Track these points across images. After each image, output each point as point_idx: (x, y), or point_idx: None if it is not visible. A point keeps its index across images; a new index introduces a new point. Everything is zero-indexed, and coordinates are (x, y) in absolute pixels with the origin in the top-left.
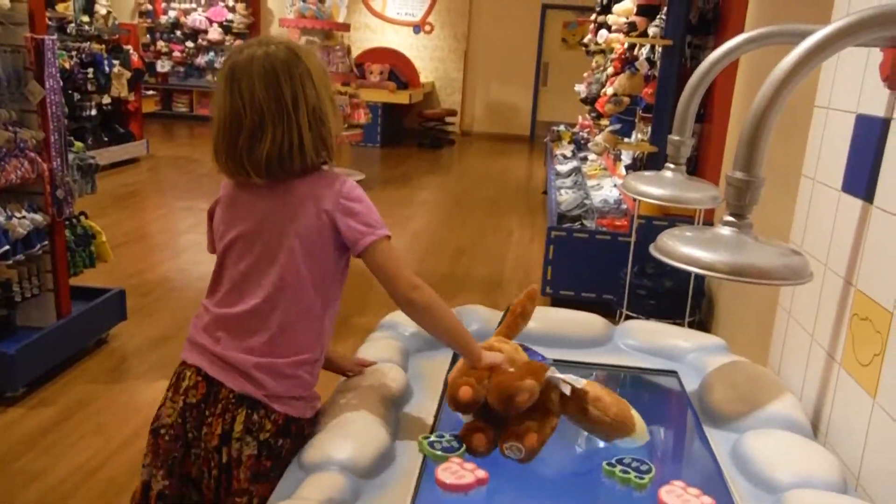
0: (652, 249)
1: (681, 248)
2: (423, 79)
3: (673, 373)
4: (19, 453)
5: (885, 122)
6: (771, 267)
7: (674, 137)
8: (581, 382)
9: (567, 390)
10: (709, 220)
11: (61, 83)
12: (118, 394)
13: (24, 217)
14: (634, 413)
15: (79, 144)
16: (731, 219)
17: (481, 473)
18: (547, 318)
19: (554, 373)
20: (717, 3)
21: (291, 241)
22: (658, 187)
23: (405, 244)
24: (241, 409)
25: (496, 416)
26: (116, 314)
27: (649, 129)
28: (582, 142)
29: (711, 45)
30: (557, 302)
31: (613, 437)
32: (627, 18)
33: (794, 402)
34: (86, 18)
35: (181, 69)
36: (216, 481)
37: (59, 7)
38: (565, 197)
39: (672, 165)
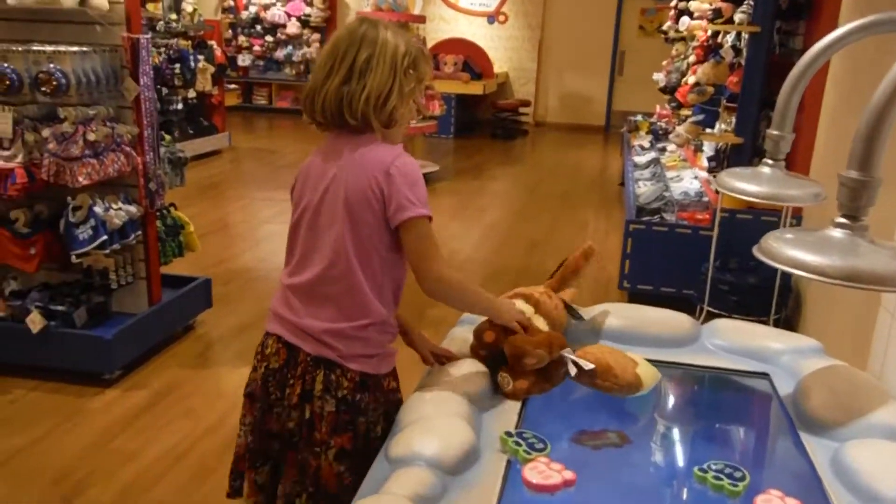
0: (755, 251)
1: (787, 251)
2: (496, 69)
3: (765, 375)
4: (115, 433)
5: None
6: (887, 272)
7: (773, 132)
8: (589, 366)
9: (573, 372)
10: (797, 215)
11: (153, 79)
12: (205, 379)
13: (120, 209)
14: (641, 369)
15: (167, 137)
16: (844, 220)
17: (569, 474)
18: (631, 316)
19: (569, 353)
20: None
21: (344, 208)
22: (756, 184)
23: (479, 235)
24: (319, 370)
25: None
26: (202, 302)
27: (734, 119)
28: (660, 132)
29: (803, 32)
30: (635, 296)
31: (624, 396)
32: (711, 4)
33: None
34: (174, 16)
35: (261, 63)
36: (295, 434)
37: (150, 6)
38: (644, 189)
39: (770, 161)
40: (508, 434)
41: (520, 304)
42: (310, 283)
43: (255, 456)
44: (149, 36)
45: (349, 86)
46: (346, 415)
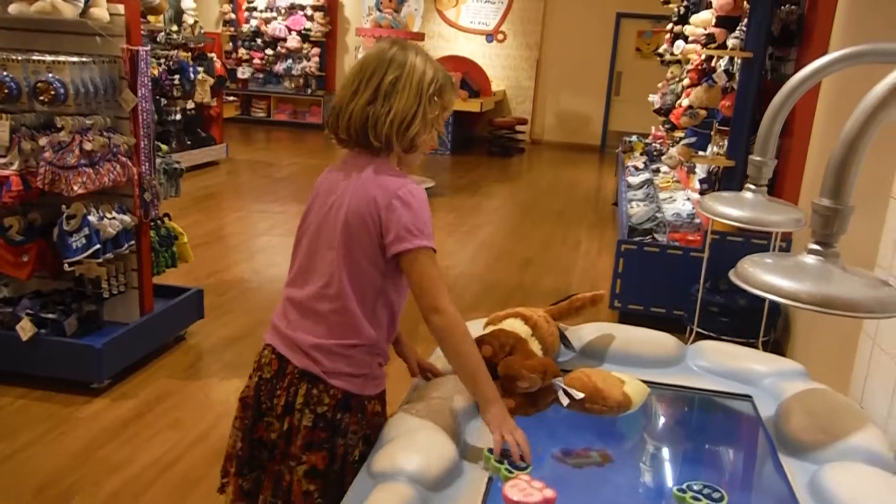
0: (732, 276)
1: (762, 276)
2: (494, 87)
3: (747, 397)
4: (103, 442)
5: None
6: (859, 299)
7: (755, 158)
8: (580, 396)
9: (565, 402)
10: (787, 239)
11: (151, 91)
12: (194, 390)
13: (114, 218)
14: (629, 387)
15: (164, 147)
16: (816, 247)
17: (549, 493)
18: (617, 335)
19: (559, 382)
20: (802, 15)
21: (342, 230)
22: (738, 209)
23: (473, 252)
24: (303, 383)
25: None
26: (194, 313)
27: (726, 142)
28: (654, 153)
29: (794, 58)
30: (625, 316)
31: (615, 416)
32: (705, 29)
33: (878, 434)
34: (175, 28)
35: (260, 75)
36: (277, 445)
37: (151, 19)
38: (636, 209)
39: (753, 186)
40: (491, 451)
41: (517, 325)
42: (305, 299)
43: (243, 463)
44: (148, 48)
45: (374, 106)
46: (322, 432)
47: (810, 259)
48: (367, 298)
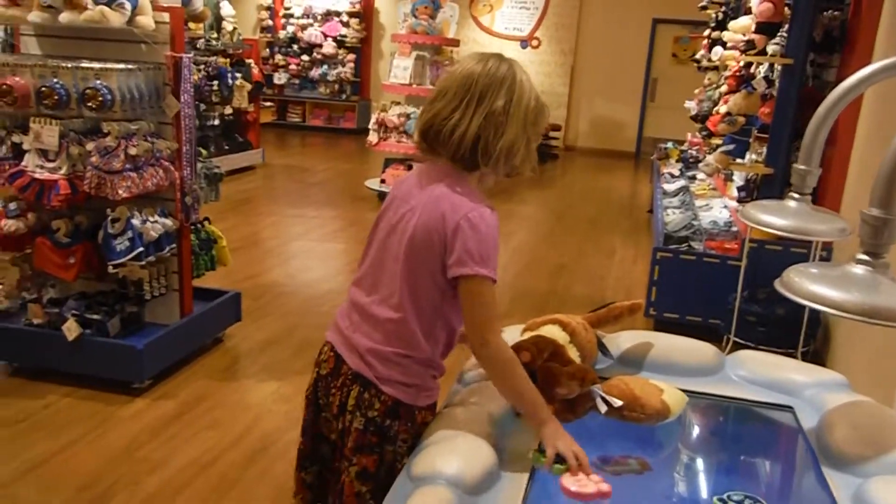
0: (777, 285)
1: (809, 286)
2: None
3: (789, 408)
4: (143, 442)
5: None
6: None
7: (799, 167)
8: (618, 403)
9: (603, 409)
10: (827, 248)
11: (193, 97)
12: (231, 392)
13: (156, 221)
14: (667, 395)
15: (204, 153)
16: (865, 257)
17: (605, 486)
18: (656, 343)
19: (598, 389)
20: (845, 21)
21: (408, 245)
22: (781, 217)
23: (506, 258)
24: (356, 385)
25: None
26: (232, 315)
27: (764, 149)
28: (690, 160)
29: (836, 65)
30: (661, 325)
31: (653, 424)
32: (745, 35)
33: None
34: (214, 35)
35: (296, 81)
36: (335, 444)
37: (192, 25)
38: (672, 217)
39: (797, 195)
40: (541, 451)
41: (555, 331)
42: (367, 304)
43: (305, 457)
44: (191, 55)
45: (487, 132)
46: (373, 437)
47: (859, 269)
48: (426, 315)
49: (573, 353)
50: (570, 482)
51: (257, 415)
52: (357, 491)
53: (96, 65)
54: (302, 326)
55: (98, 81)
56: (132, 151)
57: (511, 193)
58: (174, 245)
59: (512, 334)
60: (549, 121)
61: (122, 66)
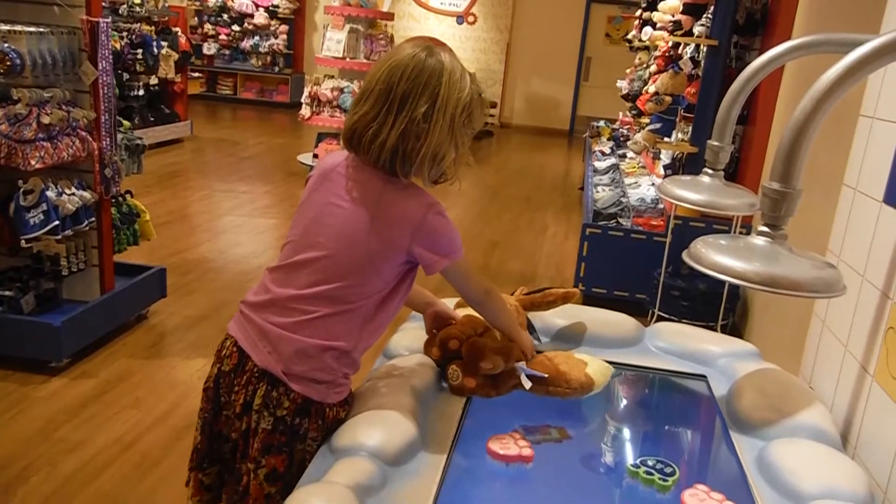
0: (684, 256)
1: (713, 257)
2: None
3: (702, 377)
4: (61, 422)
5: None
6: (803, 279)
7: (713, 143)
8: (542, 376)
9: (527, 385)
10: (747, 224)
11: (112, 64)
12: (155, 370)
13: (73, 194)
14: (592, 368)
15: (126, 123)
16: (765, 229)
17: (527, 451)
18: (578, 316)
19: (522, 367)
20: (766, 4)
21: (358, 244)
22: (695, 192)
23: None
24: (263, 383)
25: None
26: (157, 292)
27: (690, 129)
28: (621, 139)
29: (758, 47)
30: (589, 299)
31: (579, 398)
32: (673, 16)
33: (824, 412)
34: (137, 1)
35: (227, 52)
36: (237, 444)
37: None
38: (602, 194)
39: (710, 171)
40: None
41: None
42: (288, 294)
43: (203, 457)
44: (108, 20)
45: (408, 141)
46: (282, 436)
47: (760, 240)
48: (370, 309)
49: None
50: (496, 444)
51: (183, 392)
52: (267, 493)
53: (4, 27)
54: (231, 303)
55: (6, 45)
56: (45, 120)
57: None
58: (93, 219)
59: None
60: (486, 98)
61: (32, 28)
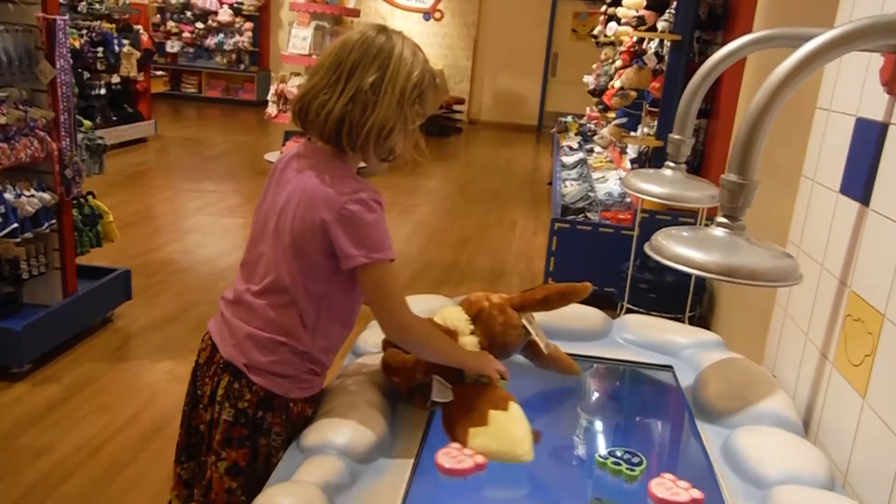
0: (646, 248)
1: (674, 248)
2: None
3: (668, 367)
4: (24, 429)
5: (884, 127)
6: (761, 268)
7: (674, 136)
8: (446, 399)
9: (432, 399)
10: (713, 216)
11: (71, 63)
12: (122, 373)
13: (32, 195)
14: (508, 430)
15: (87, 123)
16: (724, 220)
17: (480, 459)
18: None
19: (439, 381)
20: (727, 0)
21: (290, 237)
22: (657, 185)
23: (409, 232)
24: (226, 375)
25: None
26: (121, 294)
27: (655, 123)
28: (589, 133)
29: (720, 41)
30: None
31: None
32: (637, 12)
33: (787, 399)
34: None
35: (191, 50)
36: (203, 437)
37: None
38: (570, 189)
39: (672, 164)
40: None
41: (454, 314)
42: (251, 289)
43: (181, 450)
44: (66, 17)
45: (352, 112)
46: (243, 429)
47: (718, 231)
48: (311, 306)
49: (471, 341)
50: (445, 459)
51: (150, 396)
52: (227, 487)
53: None
54: (199, 304)
55: None
56: (1, 120)
57: (414, 167)
58: (53, 221)
59: (418, 305)
60: (453, 94)
61: None
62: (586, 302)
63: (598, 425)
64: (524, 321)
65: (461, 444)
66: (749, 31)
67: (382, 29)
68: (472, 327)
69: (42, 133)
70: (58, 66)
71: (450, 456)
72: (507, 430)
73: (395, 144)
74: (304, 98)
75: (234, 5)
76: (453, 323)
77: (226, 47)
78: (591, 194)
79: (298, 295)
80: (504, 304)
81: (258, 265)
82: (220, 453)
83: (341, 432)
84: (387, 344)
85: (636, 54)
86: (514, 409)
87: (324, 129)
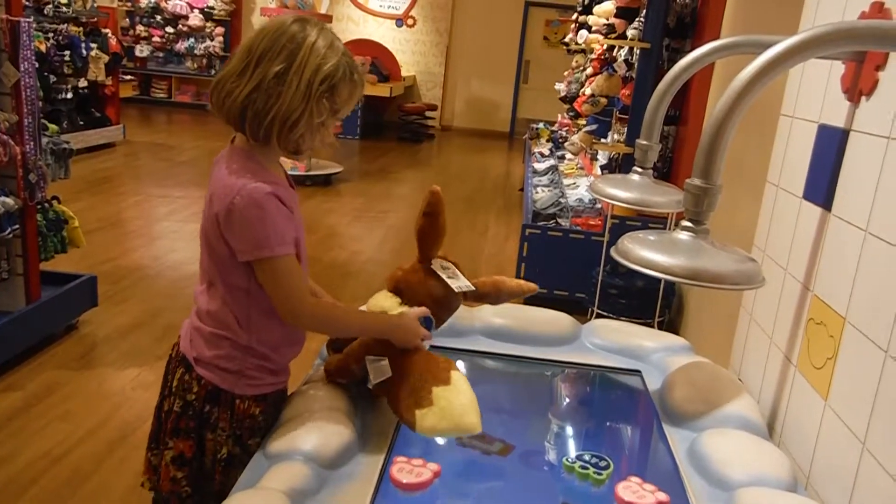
0: (613, 252)
1: (639, 252)
2: (404, 72)
3: (637, 372)
4: None
5: (845, 133)
6: (725, 272)
7: (641, 142)
8: (384, 376)
9: (372, 380)
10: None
11: (36, 66)
12: (87, 381)
13: None
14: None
15: (53, 127)
16: (688, 224)
17: (434, 466)
18: (515, 315)
19: (372, 360)
20: (695, 8)
21: (202, 231)
22: (625, 190)
23: (381, 237)
24: (180, 368)
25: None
26: (87, 300)
27: (626, 129)
28: (560, 140)
29: (688, 49)
30: (529, 299)
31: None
32: (607, 20)
33: (751, 402)
34: (64, 0)
35: (160, 55)
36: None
37: None
38: (541, 195)
39: (640, 169)
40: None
41: (383, 300)
42: (201, 289)
43: (152, 438)
44: (31, 19)
45: (256, 101)
46: (191, 421)
47: (683, 235)
48: (238, 302)
49: (401, 309)
50: (401, 474)
51: (116, 403)
52: (172, 476)
53: None
54: (167, 310)
55: None
56: None
57: (386, 173)
58: (17, 226)
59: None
60: (425, 100)
61: None
62: (557, 307)
63: (567, 430)
64: (434, 268)
65: (410, 427)
66: (716, 38)
67: (301, 19)
68: (398, 300)
69: (5, 137)
70: (22, 69)
71: (405, 471)
72: (453, 404)
73: (300, 137)
74: (217, 85)
75: (205, 10)
76: (380, 305)
77: (196, 52)
78: (562, 200)
79: (224, 290)
80: (414, 263)
81: (201, 264)
82: (168, 442)
83: (307, 438)
84: (329, 350)
85: (606, 62)
86: (456, 379)
87: (229, 117)
